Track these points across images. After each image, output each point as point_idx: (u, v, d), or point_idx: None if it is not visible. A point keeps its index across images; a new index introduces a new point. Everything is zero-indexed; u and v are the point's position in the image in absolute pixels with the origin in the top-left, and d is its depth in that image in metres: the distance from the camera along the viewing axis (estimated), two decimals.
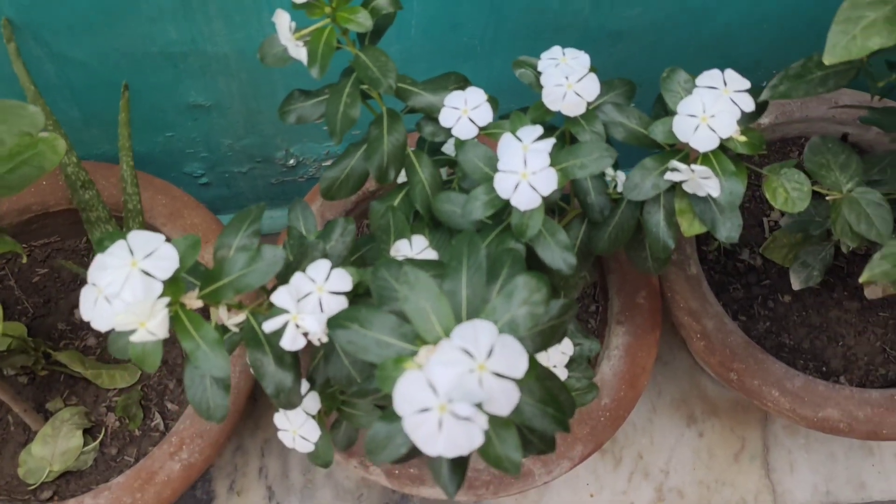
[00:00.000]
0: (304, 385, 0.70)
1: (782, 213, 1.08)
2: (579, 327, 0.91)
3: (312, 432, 0.71)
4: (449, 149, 0.78)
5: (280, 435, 0.72)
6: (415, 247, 0.71)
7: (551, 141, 0.60)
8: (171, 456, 0.89)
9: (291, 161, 1.10)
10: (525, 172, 0.60)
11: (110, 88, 0.91)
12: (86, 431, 0.95)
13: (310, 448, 0.71)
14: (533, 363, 0.47)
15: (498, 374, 0.43)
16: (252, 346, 0.60)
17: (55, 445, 0.93)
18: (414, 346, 0.49)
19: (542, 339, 0.53)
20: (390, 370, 0.46)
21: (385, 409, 0.49)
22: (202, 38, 0.87)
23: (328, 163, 1.12)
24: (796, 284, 0.95)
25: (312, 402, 0.70)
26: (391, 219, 0.72)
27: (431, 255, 0.71)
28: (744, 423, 1.25)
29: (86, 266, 1.05)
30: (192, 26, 0.85)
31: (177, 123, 1.00)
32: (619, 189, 0.75)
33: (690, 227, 0.71)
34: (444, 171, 0.79)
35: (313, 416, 0.71)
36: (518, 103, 1.06)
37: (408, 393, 0.43)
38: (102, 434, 0.96)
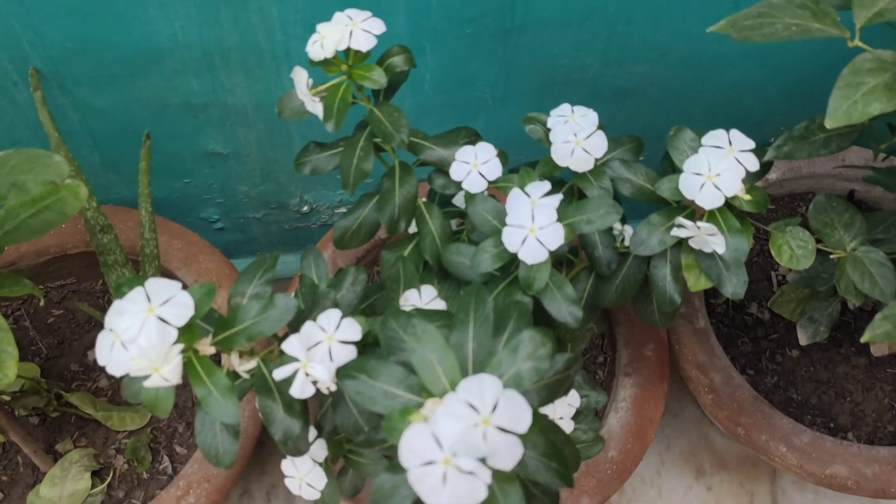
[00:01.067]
0: (312, 432, 0.71)
1: (790, 269, 1.09)
2: (587, 378, 0.92)
3: (319, 480, 0.71)
4: (459, 201, 0.80)
5: (287, 482, 0.73)
6: (424, 297, 0.72)
7: (558, 197, 0.62)
8: (178, 500, 0.89)
9: (305, 208, 1.12)
10: (533, 227, 0.61)
11: (131, 136, 0.94)
12: (94, 473, 0.96)
13: (316, 496, 0.72)
14: (537, 417, 0.48)
15: (502, 429, 0.44)
16: (262, 392, 0.61)
17: (63, 487, 0.93)
18: (420, 397, 0.50)
19: (548, 392, 0.54)
20: (397, 422, 0.47)
21: (391, 459, 0.50)
22: (223, 90, 0.90)
23: (341, 210, 1.15)
24: (803, 340, 0.95)
25: (320, 449, 0.71)
26: (401, 269, 0.73)
27: (440, 305, 0.72)
28: (753, 477, 1.24)
29: (101, 308, 1.07)
30: (214, 79, 0.88)
31: (195, 170, 1.03)
32: (627, 243, 0.76)
33: (697, 282, 0.72)
34: (453, 223, 0.81)
35: (320, 464, 0.71)
36: (527, 155, 1.09)
37: (413, 445, 0.43)
38: (111, 476, 0.96)
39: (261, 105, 0.93)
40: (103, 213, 0.91)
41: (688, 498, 1.23)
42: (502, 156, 0.73)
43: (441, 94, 0.96)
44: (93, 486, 0.95)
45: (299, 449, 0.63)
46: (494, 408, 0.44)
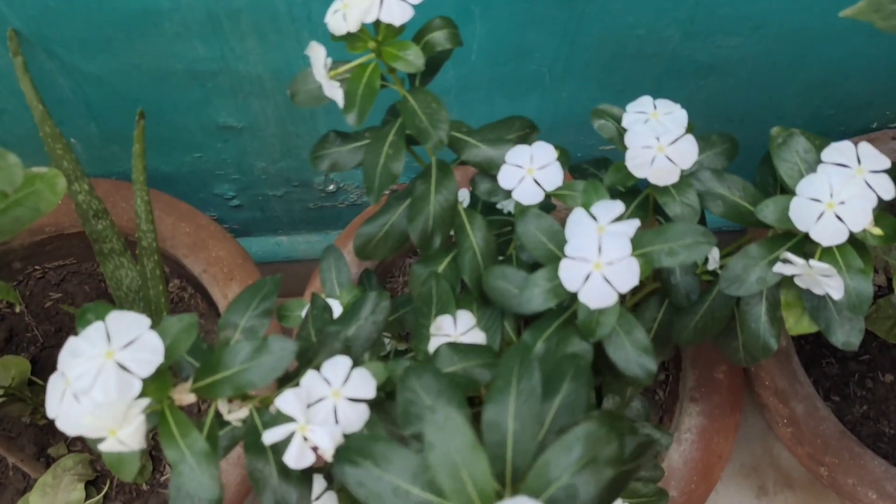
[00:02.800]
0: (320, 482, 0.59)
1: (889, 279, 0.94)
2: (647, 407, 0.79)
3: None
4: (506, 201, 0.66)
5: None
6: (460, 325, 0.59)
7: (635, 223, 0.48)
8: None
9: (331, 186, 1.00)
10: (599, 262, 0.48)
11: (131, 105, 0.82)
12: (89, 483, 0.86)
13: None
14: None
15: None
16: (252, 451, 0.49)
17: (55, 497, 0.84)
18: (440, 499, 0.38)
19: (609, 494, 0.42)
20: None
21: None
22: (233, 56, 0.77)
23: None
24: None
25: None
26: (434, 288, 0.60)
27: (478, 337, 0.59)
28: (821, 498, 1.11)
29: (103, 294, 0.96)
30: (222, 44, 0.75)
31: (205, 144, 0.90)
32: (711, 267, 0.62)
33: (798, 324, 0.58)
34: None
35: None
36: (589, 139, 0.95)
37: None
38: (107, 487, 0.87)
39: (279, 74, 0.80)
40: (97, 198, 0.80)
41: None
42: (563, 156, 0.59)
43: (490, 66, 0.81)
44: (87, 497, 0.86)
45: None
46: None
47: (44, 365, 0.92)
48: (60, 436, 0.89)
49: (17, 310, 0.91)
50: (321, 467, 0.60)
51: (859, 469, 0.81)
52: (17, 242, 0.91)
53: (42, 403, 0.85)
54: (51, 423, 0.88)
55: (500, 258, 0.62)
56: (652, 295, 0.65)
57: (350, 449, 0.40)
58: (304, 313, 0.69)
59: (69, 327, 0.95)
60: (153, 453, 0.89)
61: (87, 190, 0.79)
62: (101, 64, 0.77)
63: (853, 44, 0.82)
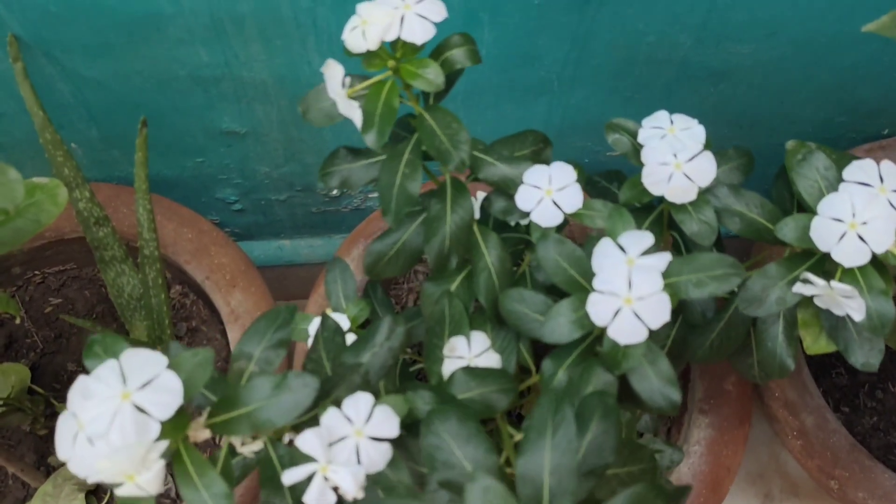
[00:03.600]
0: None
1: None
2: (656, 420, 0.78)
3: None
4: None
5: None
6: (474, 347, 0.58)
7: (666, 257, 0.47)
8: None
9: (335, 191, 0.98)
10: (629, 297, 0.46)
11: (133, 110, 0.80)
12: (90, 493, 0.85)
13: None
14: None
15: None
16: (268, 487, 0.48)
17: None
18: None
19: None
20: None
21: None
22: (237, 62, 0.75)
23: (375, 195, 1.00)
24: None
25: None
26: (447, 308, 0.59)
27: (493, 360, 0.58)
28: None
29: (103, 299, 0.94)
30: (226, 49, 0.73)
31: (208, 149, 0.88)
32: None
33: (815, 343, 0.58)
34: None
35: None
36: (598, 145, 0.93)
37: None
38: (107, 496, 0.86)
39: (283, 80, 0.78)
40: (98, 205, 0.78)
41: None
42: (581, 176, 0.57)
43: (498, 72, 0.80)
44: None
45: None
46: None
47: (44, 371, 0.91)
48: None
49: (17, 321, 0.90)
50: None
51: (869, 483, 0.81)
52: (16, 247, 0.89)
53: (42, 413, 0.84)
54: (51, 432, 0.87)
55: (514, 269, 0.61)
56: None
57: None
58: (310, 328, 0.68)
59: (69, 333, 0.93)
60: None
61: (88, 197, 0.77)
62: (103, 69, 0.75)
63: (866, 51, 0.81)
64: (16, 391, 0.82)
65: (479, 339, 0.59)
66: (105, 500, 0.86)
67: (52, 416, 0.86)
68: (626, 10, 0.73)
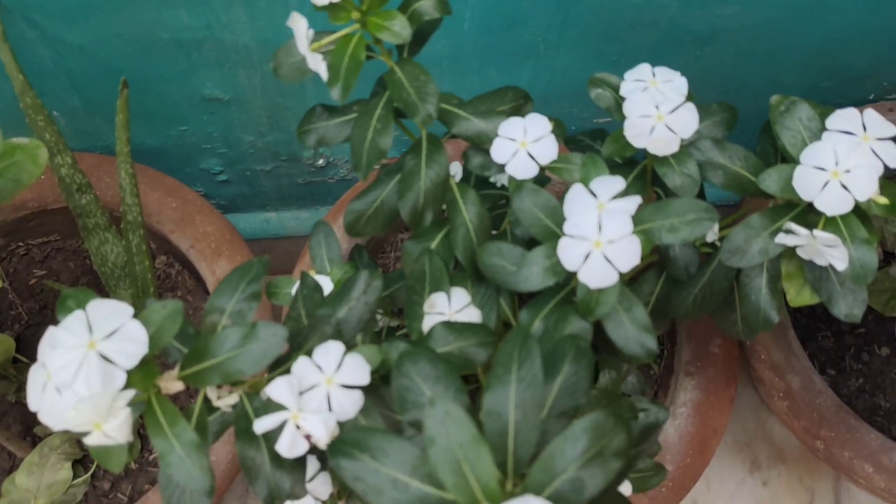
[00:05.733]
0: (313, 463, 0.58)
1: (885, 251, 0.93)
2: (642, 382, 0.78)
3: None
4: (500, 176, 0.65)
5: None
6: (454, 303, 0.58)
7: (636, 200, 0.47)
8: None
9: (321, 161, 0.98)
10: (599, 240, 0.46)
11: (115, 76, 0.79)
12: (77, 462, 0.85)
13: None
14: None
15: None
16: (243, 438, 0.48)
17: (41, 476, 0.83)
18: (442, 492, 0.36)
19: (614, 480, 0.41)
20: None
21: None
22: (219, 25, 0.74)
23: None
24: None
25: (323, 485, 0.58)
26: (427, 265, 0.59)
27: (474, 315, 0.58)
28: (814, 472, 1.11)
29: (88, 271, 0.94)
30: (208, 12, 0.73)
31: (191, 117, 0.88)
32: (710, 239, 0.61)
33: (799, 295, 0.57)
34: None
35: (324, 502, 0.59)
36: (585, 111, 0.93)
37: None
38: (94, 465, 0.86)
39: (266, 44, 0.77)
40: (80, 171, 0.77)
41: (740, 493, 1.10)
42: (558, 128, 0.57)
43: (482, 36, 0.79)
44: (75, 476, 0.84)
45: (294, 497, 0.50)
46: None
47: (28, 342, 0.91)
48: None
49: (1, 285, 0.89)
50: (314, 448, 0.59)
51: (855, 442, 0.81)
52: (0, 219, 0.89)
53: (27, 381, 0.83)
54: None
55: (494, 233, 0.61)
56: (649, 268, 0.64)
57: (346, 442, 0.39)
58: (293, 291, 0.67)
59: (54, 305, 0.93)
60: (141, 432, 0.88)
61: (71, 163, 0.76)
62: (84, 33, 0.74)
63: (852, 15, 0.80)
64: (1, 360, 0.82)
65: (460, 295, 0.58)
66: (91, 470, 0.86)
67: None
68: None
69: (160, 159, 0.94)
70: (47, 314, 0.93)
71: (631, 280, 0.65)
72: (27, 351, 0.90)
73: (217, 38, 0.76)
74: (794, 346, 0.84)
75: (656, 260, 0.64)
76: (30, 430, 0.87)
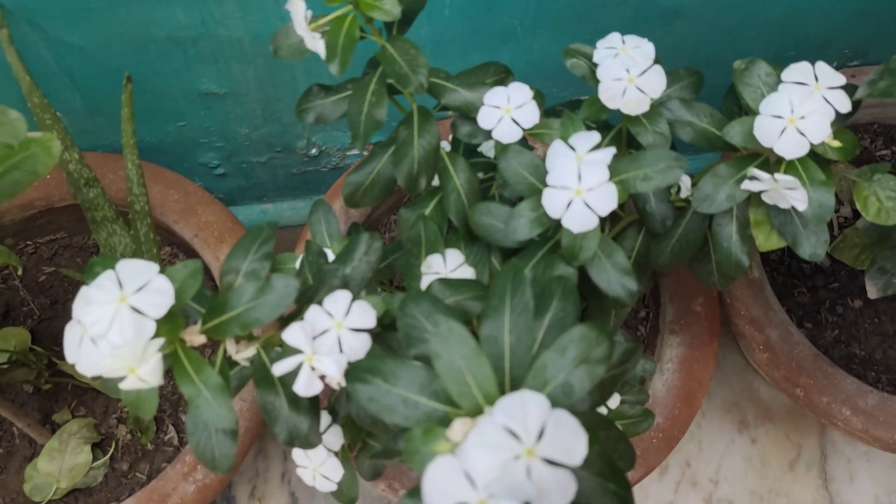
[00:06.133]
0: (325, 418, 0.63)
1: (855, 211, 0.98)
2: (629, 339, 0.82)
3: (335, 471, 0.63)
4: (487, 148, 0.69)
5: (299, 472, 0.65)
6: (449, 263, 0.62)
7: (611, 151, 0.51)
8: (185, 477, 0.82)
9: (314, 150, 1.02)
10: (579, 189, 0.51)
11: (115, 76, 0.83)
12: (95, 445, 0.89)
13: (332, 487, 0.64)
14: (593, 437, 0.39)
15: (550, 461, 0.34)
16: (263, 386, 0.52)
17: (62, 461, 0.87)
18: (448, 407, 0.41)
19: (601, 393, 0.45)
20: (419, 443, 0.38)
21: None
22: (213, 21, 0.79)
23: (353, 153, 1.04)
24: (872, 293, 0.85)
25: (335, 437, 0.63)
26: (422, 230, 0.63)
27: (468, 273, 0.63)
28: (800, 428, 1.16)
29: None
30: (202, 9, 0.77)
31: (189, 112, 0.92)
32: (684, 195, 0.65)
33: (767, 240, 0.62)
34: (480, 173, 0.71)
35: (336, 453, 0.63)
36: (563, 91, 0.97)
37: (440, 483, 0.35)
38: (113, 448, 0.89)
39: (258, 38, 0.82)
40: (87, 166, 0.81)
41: (730, 451, 1.15)
42: (539, 97, 0.62)
43: (463, 20, 0.84)
44: (94, 459, 0.88)
45: (309, 444, 0.55)
46: (541, 435, 0.35)
47: (42, 336, 0.95)
48: (64, 402, 0.91)
49: (19, 272, 0.93)
50: (325, 407, 0.63)
51: (833, 388, 0.86)
52: (7, 218, 0.93)
53: (45, 367, 0.87)
54: (55, 387, 0.91)
55: (484, 193, 0.65)
56: (630, 226, 0.68)
57: (360, 368, 0.43)
58: (298, 264, 0.72)
59: (64, 299, 0.97)
60: (156, 415, 0.91)
61: (78, 159, 0.81)
62: (84, 33, 0.78)
63: None
64: (16, 355, 0.86)
65: (454, 256, 0.63)
66: (110, 452, 0.89)
67: (55, 373, 0.90)
68: None
69: (160, 156, 0.98)
70: (58, 308, 0.96)
71: (613, 239, 0.70)
72: (41, 344, 0.93)
73: (212, 33, 0.80)
74: (771, 302, 0.89)
75: (635, 219, 0.69)
76: (48, 418, 0.91)
